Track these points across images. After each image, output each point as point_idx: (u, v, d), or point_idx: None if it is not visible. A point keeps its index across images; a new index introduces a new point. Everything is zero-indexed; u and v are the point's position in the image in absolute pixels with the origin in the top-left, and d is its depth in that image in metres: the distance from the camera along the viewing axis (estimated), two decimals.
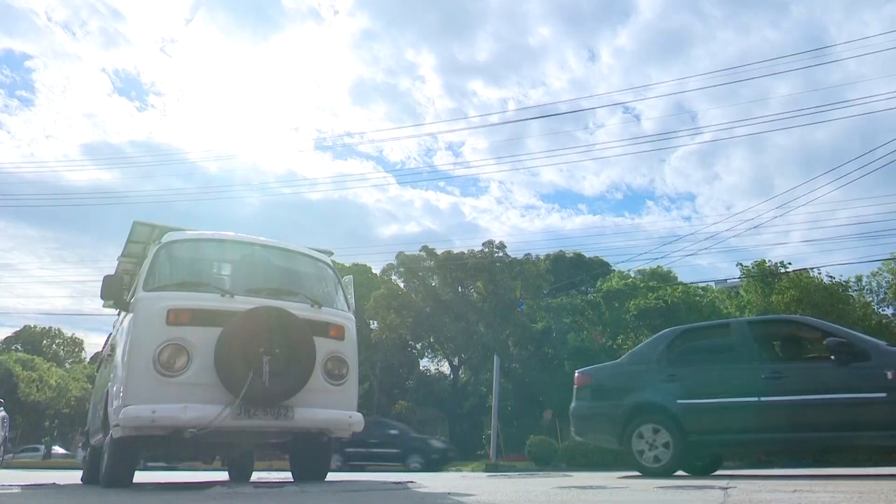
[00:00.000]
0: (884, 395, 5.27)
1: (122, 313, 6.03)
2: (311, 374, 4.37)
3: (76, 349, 52.46)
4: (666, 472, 6.03)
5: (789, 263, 24.16)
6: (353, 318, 5.14)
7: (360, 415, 4.78)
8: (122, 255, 5.71)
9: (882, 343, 5.84)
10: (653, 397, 6.29)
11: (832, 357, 5.67)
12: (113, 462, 4.37)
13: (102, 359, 6.60)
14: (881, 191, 63.82)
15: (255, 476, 6.84)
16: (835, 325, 6.35)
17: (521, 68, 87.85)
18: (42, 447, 33.32)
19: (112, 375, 4.63)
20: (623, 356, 7.38)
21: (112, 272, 7.37)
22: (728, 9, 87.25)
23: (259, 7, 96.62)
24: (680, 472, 6.45)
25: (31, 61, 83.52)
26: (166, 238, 4.75)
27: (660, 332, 7.23)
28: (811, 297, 22.36)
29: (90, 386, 36.39)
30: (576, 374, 7.19)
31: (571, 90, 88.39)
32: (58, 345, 51.41)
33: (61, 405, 39.26)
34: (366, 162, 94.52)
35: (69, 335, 52.21)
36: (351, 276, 5.65)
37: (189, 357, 4.08)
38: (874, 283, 28.02)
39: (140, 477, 6.59)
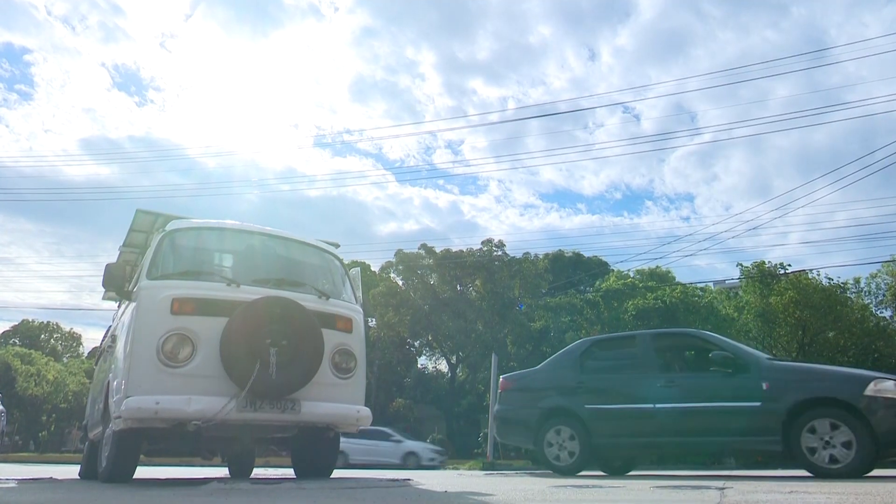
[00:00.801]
0: (758, 404, 5.80)
1: (123, 305, 5.93)
2: (318, 367, 4.28)
3: (74, 344, 52.50)
4: (572, 471, 6.65)
5: (788, 265, 24.21)
6: (361, 310, 5.05)
7: (367, 409, 4.69)
8: (124, 244, 5.62)
9: (764, 356, 6.44)
10: (564, 402, 6.89)
11: (718, 369, 6.18)
12: (114, 456, 4.27)
13: (102, 351, 6.49)
14: (880, 193, 63.94)
15: (256, 472, 6.82)
16: (726, 340, 6.85)
17: (521, 67, 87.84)
18: None
19: (113, 367, 4.54)
20: (543, 364, 7.79)
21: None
22: (728, 9, 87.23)
23: (259, 3, 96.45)
24: (599, 472, 7.29)
25: (31, 55, 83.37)
26: (170, 226, 4.66)
27: (575, 342, 7.87)
28: (810, 298, 22.40)
29: (88, 381, 36.41)
30: (500, 379, 7.73)
31: (571, 89, 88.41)
32: (56, 339, 51.43)
33: (59, 400, 39.26)
34: (365, 159, 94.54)
35: (67, 330, 52.26)
36: (358, 269, 5.55)
37: (194, 348, 4.00)
38: (873, 285, 28.07)
39: (137, 472, 6.58)
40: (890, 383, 5.47)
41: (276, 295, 4.31)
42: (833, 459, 5.34)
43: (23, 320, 49.59)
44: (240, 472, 6.50)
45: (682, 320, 22.66)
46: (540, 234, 73.46)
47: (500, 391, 7.64)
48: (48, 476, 6.33)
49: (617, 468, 7.52)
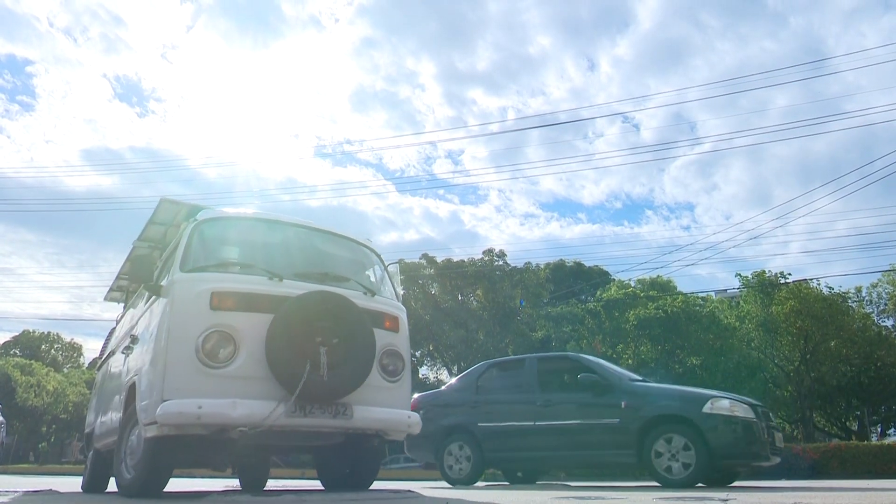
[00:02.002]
0: (617, 420, 6.53)
1: (138, 304, 5.69)
2: (371, 368, 3.99)
3: (75, 354, 52.47)
4: (467, 482, 7.41)
5: (789, 274, 24.20)
6: (405, 309, 4.75)
7: (417, 415, 4.39)
8: (140, 238, 5.30)
9: (627, 378, 7.17)
10: (460, 420, 7.69)
11: (589, 389, 6.89)
12: (145, 467, 3.83)
13: (111, 353, 6.05)
14: (880, 202, 63.96)
15: (273, 484, 6.67)
16: (598, 362, 7.56)
17: (520, 77, 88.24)
18: None
19: (139, 368, 4.09)
20: (448, 384, 8.65)
21: (114, 274, 7.08)
22: (726, 20, 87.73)
23: (260, 14, 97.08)
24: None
25: (32, 66, 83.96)
26: (201, 216, 4.33)
27: (475, 366, 8.65)
28: (811, 308, 22.35)
29: (89, 391, 36.29)
30: (413, 398, 8.24)
31: (571, 99, 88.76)
32: (56, 350, 51.36)
33: (59, 410, 39.15)
34: (365, 169, 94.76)
35: (68, 340, 52.23)
36: (397, 265, 5.27)
37: (235, 346, 3.65)
38: (874, 295, 28.06)
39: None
40: (725, 402, 6.20)
41: (325, 290, 4.00)
42: (674, 470, 6.05)
43: (23, 331, 49.61)
44: (252, 483, 6.18)
45: (683, 330, 22.62)
46: (540, 243, 73.60)
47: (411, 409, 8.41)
48: (48, 488, 6.28)
49: (519, 479, 8.27)
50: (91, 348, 58.15)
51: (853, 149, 72.91)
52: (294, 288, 3.96)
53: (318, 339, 3.77)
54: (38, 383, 38.08)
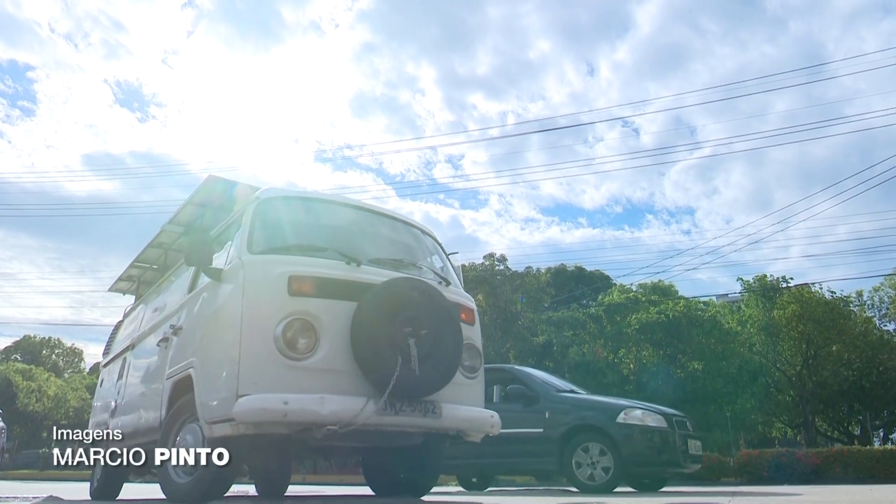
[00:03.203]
0: (541, 430, 6.87)
1: (154, 297, 5.51)
2: (459, 362, 3.73)
3: (75, 359, 52.43)
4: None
5: (790, 278, 24.18)
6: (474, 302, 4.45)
7: (497, 415, 4.10)
8: (172, 221, 4.95)
9: (554, 388, 7.48)
10: None
11: (519, 400, 7.19)
12: (211, 471, 3.40)
13: (127, 348, 5.60)
14: (881, 206, 63.96)
15: (292, 489, 6.33)
16: (530, 374, 7.84)
17: (520, 82, 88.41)
18: None
19: (194, 361, 3.72)
20: None
21: (117, 276, 6.75)
22: (725, 24, 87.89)
23: (260, 20, 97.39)
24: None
25: (34, 72, 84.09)
26: (263, 195, 3.99)
27: None
28: (812, 312, 22.33)
29: (89, 396, 36.25)
30: None
31: (571, 104, 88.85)
32: (57, 355, 51.34)
33: (59, 416, 39.12)
34: (366, 174, 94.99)
35: (69, 345, 52.19)
36: (458, 254, 4.99)
37: (317, 336, 3.33)
38: (876, 299, 28.01)
39: (129, 490, 6.38)
40: (638, 412, 6.54)
41: (412, 277, 3.75)
42: (596, 477, 6.37)
43: (24, 336, 49.64)
44: (271, 490, 5.75)
45: (685, 334, 22.57)
46: (541, 247, 73.56)
47: None
48: (49, 495, 6.24)
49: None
50: (92, 353, 58.15)
51: (853, 153, 72.94)
52: (372, 274, 3.68)
53: (407, 330, 3.47)
54: (39, 388, 38.06)
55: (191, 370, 3.67)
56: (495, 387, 7.77)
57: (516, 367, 8.76)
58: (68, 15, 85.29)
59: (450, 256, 4.72)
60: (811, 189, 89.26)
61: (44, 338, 50.31)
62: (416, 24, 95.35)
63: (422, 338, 3.50)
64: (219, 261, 3.85)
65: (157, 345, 4.50)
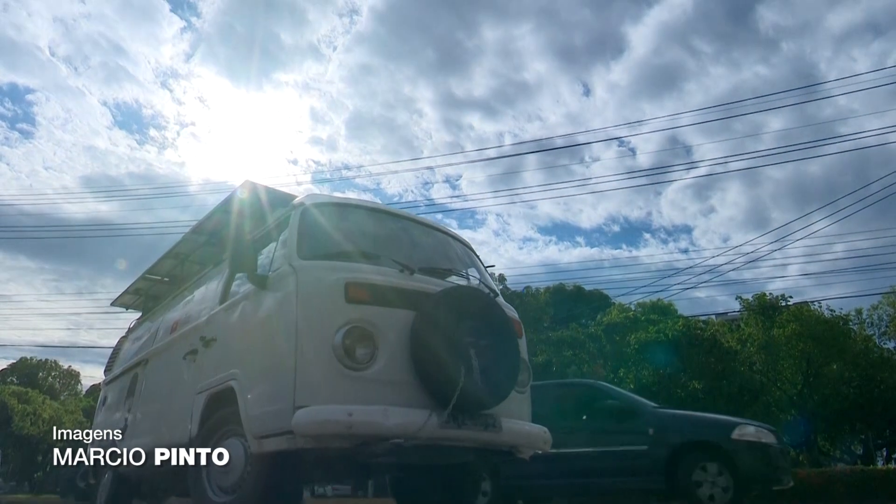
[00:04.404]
0: (644, 447, 6.56)
1: (155, 318, 5.41)
2: (518, 373, 3.60)
3: (72, 381, 51.98)
4: None
5: (790, 297, 24.16)
6: None
7: (548, 430, 3.96)
8: (196, 230, 4.83)
9: (650, 405, 7.27)
10: None
11: (611, 416, 6.96)
12: (256, 487, 3.23)
13: (140, 363, 5.37)
14: (877, 224, 64.20)
15: None
16: (617, 390, 7.76)
17: (516, 103, 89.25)
18: None
19: (235, 373, 3.52)
20: None
21: (122, 289, 6.54)
22: (719, 45, 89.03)
23: (258, 42, 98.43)
24: None
25: (33, 95, 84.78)
26: (310, 200, 3.89)
27: None
28: (812, 330, 22.27)
29: (86, 419, 35.91)
30: None
31: (567, 124, 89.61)
32: (53, 377, 50.93)
33: (53, 441, 38.72)
34: (363, 194, 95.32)
35: (65, 367, 51.79)
36: (494, 267, 4.96)
37: (375, 345, 3.18)
38: (875, 317, 27.99)
39: None
40: (751, 428, 6.36)
41: (470, 287, 3.67)
42: (712, 497, 6.08)
43: (21, 358, 49.26)
44: None
45: (684, 353, 22.49)
46: (539, 267, 73.67)
47: None
48: None
49: None
50: (88, 375, 57.72)
51: (848, 171, 73.50)
52: (426, 283, 3.56)
53: (469, 341, 3.34)
54: (35, 412, 37.70)
55: (232, 382, 3.49)
56: (584, 403, 7.56)
57: (600, 382, 8.55)
58: (68, 38, 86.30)
59: (487, 268, 4.61)
60: (807, 207, 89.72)
61: (40, 360, 49.97)
62: (413, 46, 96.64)
63: (482, 349, 3.36)
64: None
65: (184, 358, 4.30)
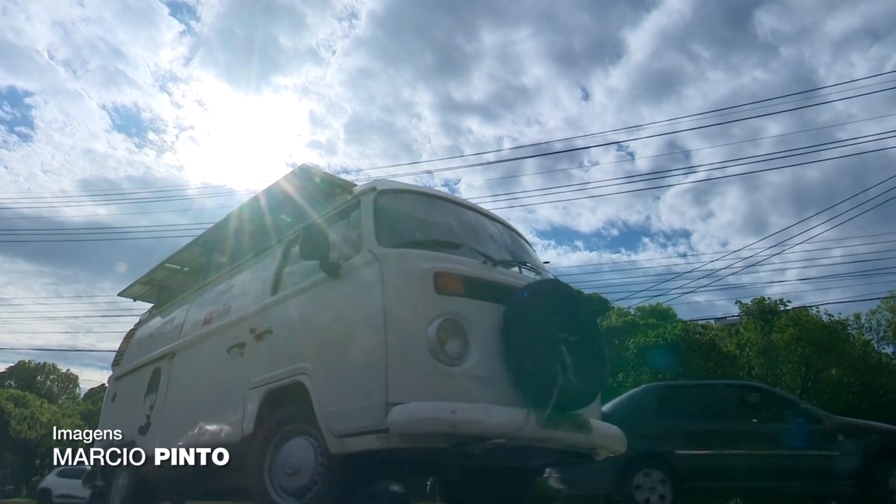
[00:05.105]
0: (835, 452, 6.59)
1: (177, 309, 5.18)
2: (606, 371, 3.43)
3: (70, 385, 51.86)
4: None
5: (788, 301, 24.20)
6: None
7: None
8: (232, 219, 4.55)
9: (823, 412, 7.36)
10: (651, 447, 6.77)
11: (796, 420, 6.87)
12: (333, 490, 3.03)
13: (165, 357, 5.02)
14: (875, 229, 64.32)
15: None
16: (783, 393, 7.90)
17: (515, 107, 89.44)
18: None
19: (303, 367, 3.32)
20: (612, 406, 7.62)
21: (126, 292, 6.22)
22: (717, 50, 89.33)
23: (257, 46, 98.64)
24: None
25: (31, 98, 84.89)
26: (381, 185, 3.68)
27: (642, 387, 8.37)
28: (811, 335, 22.30)
29: (84, 422, 35.82)
30: None
31: (565, 128, 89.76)
32: (52, 381, 50.80)
33: (53, 443, 38.62)
34: None
35: (64, 371, 51.70)
36: (549, 263, 4.73)
37: (466, 340, 2.99)
38: (873, 322, 28.00)
39: None
40: None
41: (558, 281, 3.51)
42: None
43: (19, 361, 49.13)
44: None
45: (683, 357, 22.50)
46: None
47: None
48: None
49: None
50: (87, 379, 57.71)
51: (846, 176, 73.65)
52: (509, 276, 3.42)
53: (561, 336, 3.16)
54: (32, 415, 37.60)
55: (301, 377, 3.28)
56: (757, 404, 7.47)
57: (764, 385, 8.86)
58: (67, 42, 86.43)
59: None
60: (806, 212, 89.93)
61: (39, 363, 49.85)
62: (412, 50, 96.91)
63: (573, 345, 3.20)
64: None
65: (228, 352, 4.04)
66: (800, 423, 6.79)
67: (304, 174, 3.94)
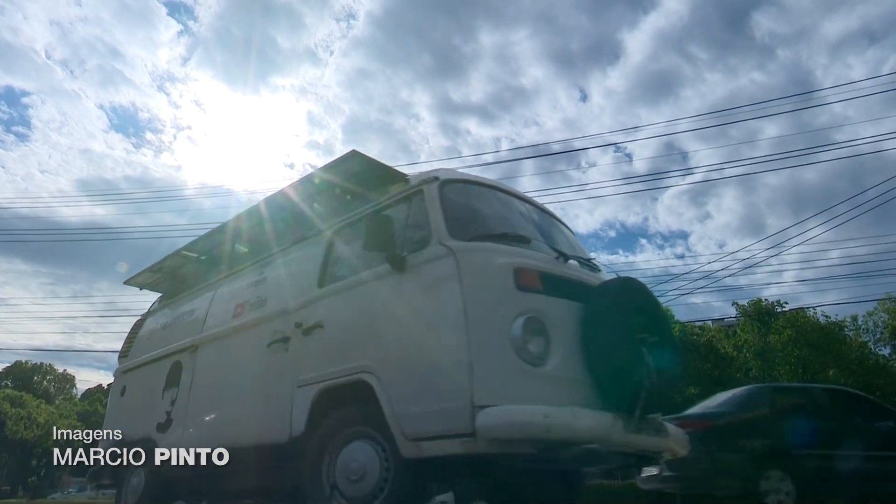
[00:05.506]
0: None
1: (197, 299, 4.97)
2: (679, 371, 3.34)
3: (67, 385, 51.82)
4: None
5: (786, 303, 24.23)
6: None
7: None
8: (265, 204, 4.26)
9: None
10: (773, 447, 6.77)
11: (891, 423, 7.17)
12: (399, 497, 2.87)
13: (188, 349, 4.74)
14: (872, 231, 64.46)
15: None
16: (872, 398, 8.09)
17: (514, 108, 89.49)
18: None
19: (367, 365, 3.13)
20: (717, 407, 7.55)
21: (120, 292, 6.31)
22: (715, 52, 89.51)
23: (255, 46, 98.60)
24: None
25: (29, 97, 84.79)
26: (444, 175, 3.50)
27: (748, 388, 8.35)
28: (808, 336, 22.34)
29: (80, 423, 35.75)
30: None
31: (563, 129, 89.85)
32: (49, 381, 50.76)
33: (49, 443, 38.55)
34: None
35: (60, 371, 51.65)
36: (595, 257, 4.72)
37: (548, 339, 2.85)
38: (870, 323, 28.04)
39: None
40: None
41: (633, 279, 3.38)
42: None
43: (16, 362, 49.09)
44: None
45: (681, 359, 22.51)
46: None
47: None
48: None
49: None
50: (83, 379, 57.61)
51: (843, 178, 73.83)
52: (582, 273, 3.32)
53: (640, 337, 3.01)
54: (29, 416, 37.54)
55: (365, 376, 3.09)
56: (859, 409, 7.62)
57: (852, 389, 8.94)
58: (65, 42, 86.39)
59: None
60: (803, 214, 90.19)
61: (35, 364, 49.78)
62: (410, 51, 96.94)
63: (651, 346, 3.05)
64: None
65: (268, 346, 3.82)
66: (882, 425, 7.10)
67: (355, 160, 3.69)
